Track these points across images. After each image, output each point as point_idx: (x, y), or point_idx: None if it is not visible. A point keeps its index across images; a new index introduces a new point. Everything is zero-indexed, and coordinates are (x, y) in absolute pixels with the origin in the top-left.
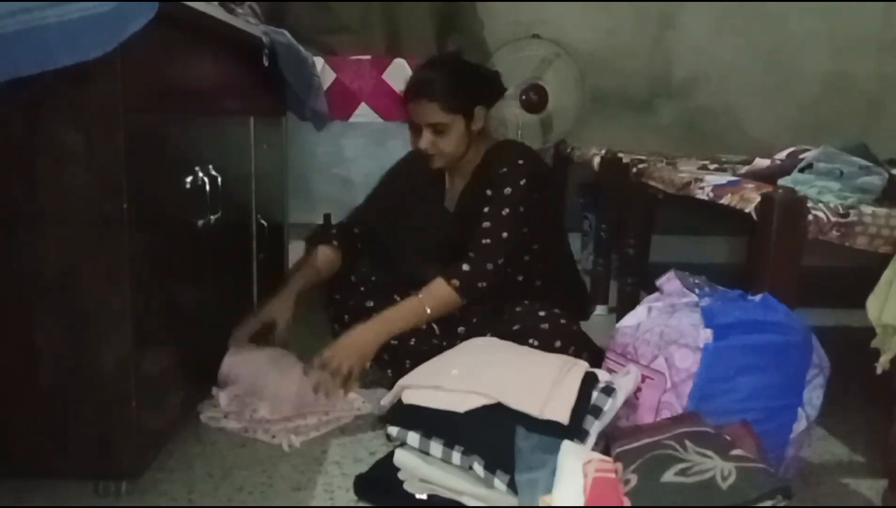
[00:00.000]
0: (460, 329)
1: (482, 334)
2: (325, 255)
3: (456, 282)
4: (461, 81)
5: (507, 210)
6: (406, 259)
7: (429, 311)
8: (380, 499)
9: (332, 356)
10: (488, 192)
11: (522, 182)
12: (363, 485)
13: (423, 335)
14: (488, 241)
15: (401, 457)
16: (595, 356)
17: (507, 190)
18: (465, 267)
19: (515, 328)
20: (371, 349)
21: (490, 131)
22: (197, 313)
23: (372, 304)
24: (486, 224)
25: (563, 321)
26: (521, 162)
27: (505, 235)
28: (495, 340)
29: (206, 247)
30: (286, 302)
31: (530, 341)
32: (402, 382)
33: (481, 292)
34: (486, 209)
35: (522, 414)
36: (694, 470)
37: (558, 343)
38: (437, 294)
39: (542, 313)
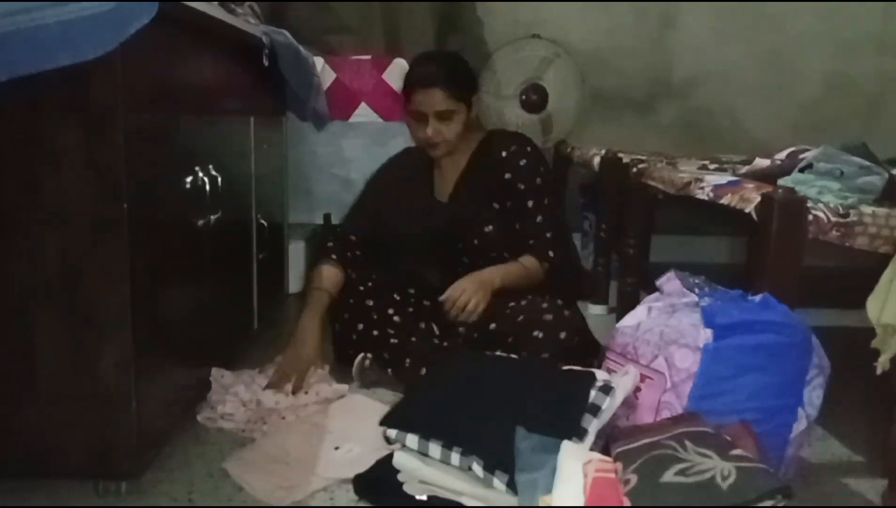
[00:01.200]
0: (461, 329)
1: (485, 330)
2: (330, 274)
3: (545, 263)
4: (462, 69)
5: (547, 199)
6: (403, 254)
7: (527, 269)
8: (380, 499)
9: (461, 292)
10: (515, 183)
11: (543, 169)
12: (363, 485)
13: (424, 334)
14: (550, 234)
15: (400, 459)
16: (593, 345)
17: (538, 180)
18: (550, 253)
19: (520, 319)
20: (492, 286)
21: (473, 122)
22: (197, 314)
23: (371, 303)
24: (539, 218)
25: (566, 313)
26: (530, 150)
27: (558, 223)
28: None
29: (206, 247)
30: (315, 344)
31: (535, 333)
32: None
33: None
34: (529, 203)
35: (522, 415)
36: (694, 470)
37: (563, 334)
38: (530, 264)
39: (545, 306)
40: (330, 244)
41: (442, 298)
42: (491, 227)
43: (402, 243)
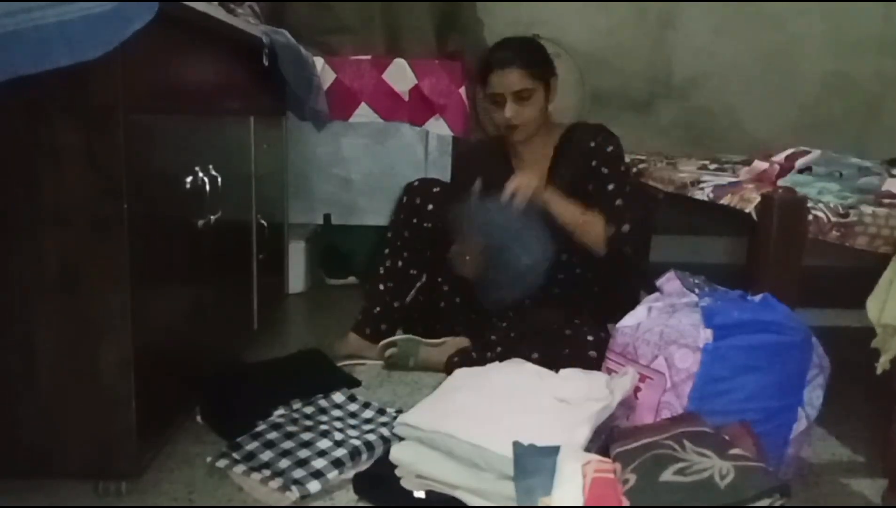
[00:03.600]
0: (494, 341)
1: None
2: None
3: (612, 228)
4: (538, 51)
5: (628, 187)
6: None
7: (581, 221)
8: (379, 497)
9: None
10: (600, 167)
11: (626, 161)
12: (362, 483)
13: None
14: (627, 215)
15: (396, 454)
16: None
17: (622, 168)
18: (622, 225)
19: (565, 352)
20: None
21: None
22: (197, 314)
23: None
24: (619, 201)
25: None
26: (615, 139)
27: (633, 208)
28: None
29: (206, 247)
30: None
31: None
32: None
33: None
34: (610, 186)
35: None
36: (692, 470)
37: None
38: (593, 218)
39: (567, 332)
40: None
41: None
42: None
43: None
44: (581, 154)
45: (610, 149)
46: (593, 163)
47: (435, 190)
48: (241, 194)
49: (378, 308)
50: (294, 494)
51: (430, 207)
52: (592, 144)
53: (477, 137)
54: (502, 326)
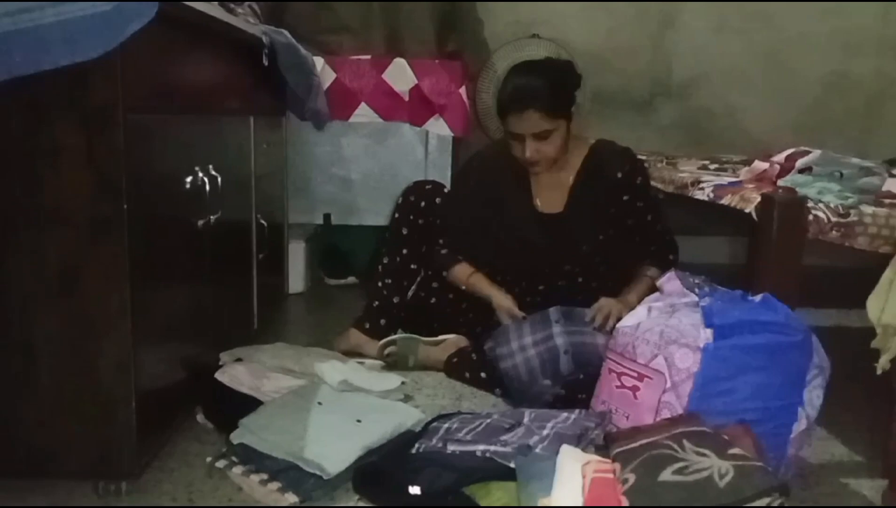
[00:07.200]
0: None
1: None
2: (465, 267)
3: (667, 266)
4: (559, 84)
5: (660, 209)
6: (499, 261)
7: (653, 280)
8: (377, 495)
9: (604, 308)
10: (635, 202)
11: (650, 182)
12: (361, 479)
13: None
14: (669, 237)
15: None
16: None
17: (652, 193)
18: (670, 256)
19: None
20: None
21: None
22: (196, 313)
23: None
24: (660, 227)
25: None
26: (640, 167)
27: (670, 227)
28: None
29: (206, 247)
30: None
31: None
32: None
33: None
34: (649, 217)
35: None
36: (691, 469)
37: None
38: (654, 274)
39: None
40: (444, 252)
41: (592, 313)
42: (602, 237)
43: (499, 254)
44: (607, 184)
45: (640, 180)
46: (625, 197)
47: (428, 187)
48: (240, 193)
49: (377, 303)
50: (293, 497)
51: (424, 204)
52: (620, 175)
53: (488, 144)
54: None
